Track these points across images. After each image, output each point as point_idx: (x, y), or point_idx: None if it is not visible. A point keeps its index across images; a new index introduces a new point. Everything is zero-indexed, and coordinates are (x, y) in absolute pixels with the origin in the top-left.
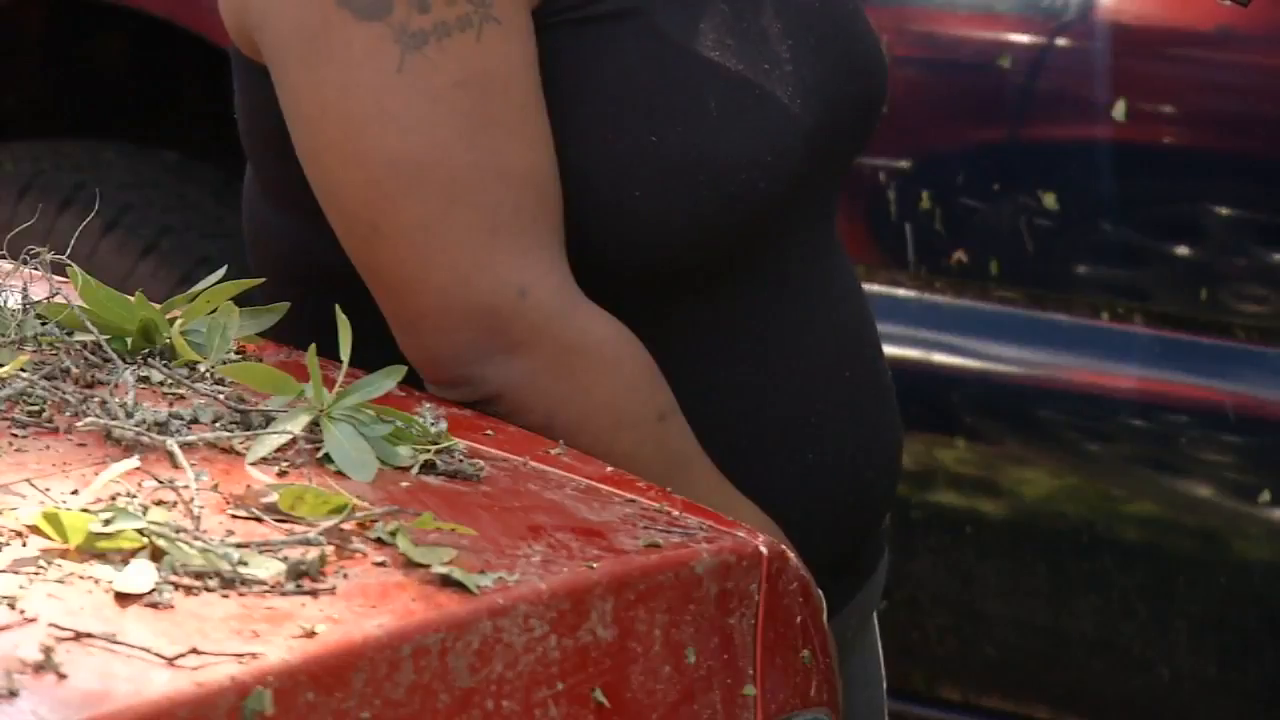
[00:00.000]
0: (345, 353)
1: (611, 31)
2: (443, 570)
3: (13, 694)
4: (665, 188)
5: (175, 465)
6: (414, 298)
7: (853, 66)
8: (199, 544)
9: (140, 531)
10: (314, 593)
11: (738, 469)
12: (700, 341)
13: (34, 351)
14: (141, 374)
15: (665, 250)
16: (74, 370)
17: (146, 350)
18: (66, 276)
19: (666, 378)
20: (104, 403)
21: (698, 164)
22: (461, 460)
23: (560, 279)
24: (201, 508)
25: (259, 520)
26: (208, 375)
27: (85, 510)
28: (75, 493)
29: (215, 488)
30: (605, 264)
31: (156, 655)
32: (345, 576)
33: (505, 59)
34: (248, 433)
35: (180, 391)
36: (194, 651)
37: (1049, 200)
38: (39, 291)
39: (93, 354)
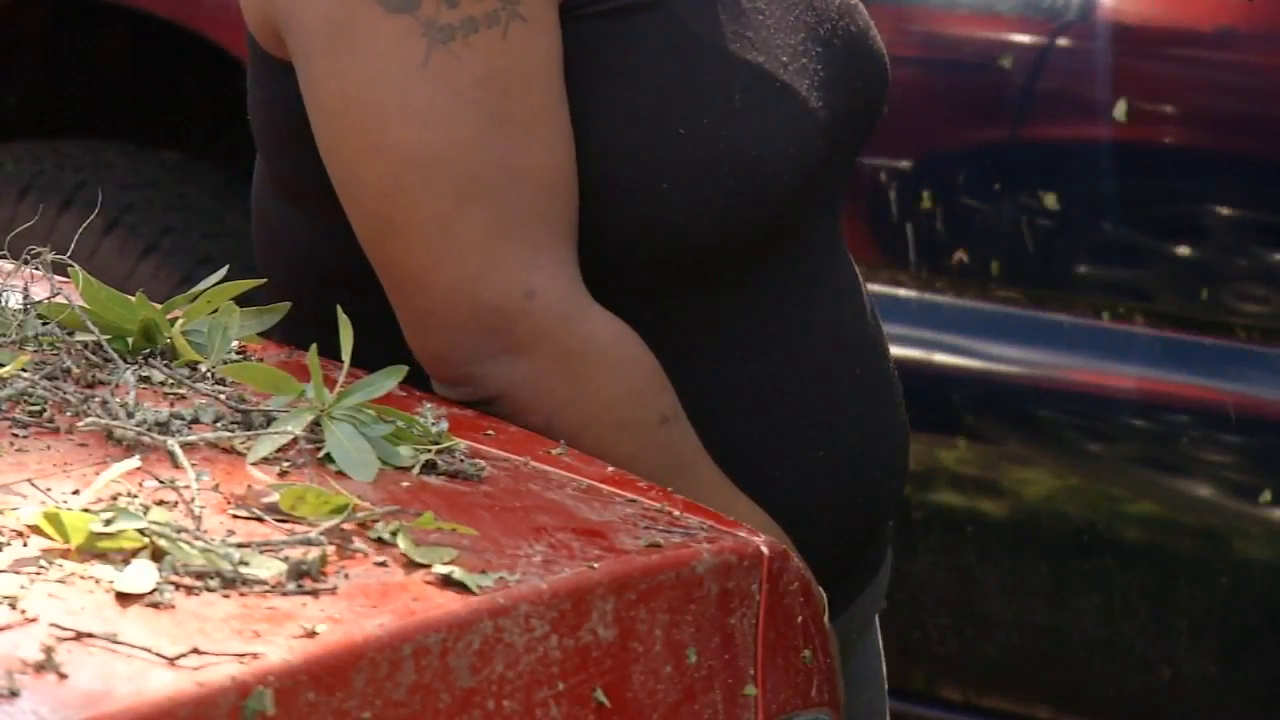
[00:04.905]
0: (346, 352)
1: (635, 23)
2: (444, 570)
3: (14, 694)
4: (692, 180)
5: (176, 465)
6: (422, 294)
7: (859, 60)
8: (200, 544)
9: (141, 531)
10: (315, 593)
11: (742, 468)
12: (705, 339)
13: (35, 351)
14: (142, 374)
15: (689, 241)
16: (75, 370)
17: (148, 350)
18: (67, 276)
19: (671, 375)
20: (105, 403)
21: (723, 156)
22: (463, 460)
23: (568, 282)
24: (202, 508)
25: (260, 520)
26: (209, 375)
27: (86, 510)
28: (76, 493)
29: (216, 488)
30: (623, 255)
31: (157, 655)
32: (346, 576)
33: (529, 57)
34: (249, 433)
35: (181, 391)
36: (195, 651)
37: (1049, 200)
38: (40, 291)
39: (94, 354)
